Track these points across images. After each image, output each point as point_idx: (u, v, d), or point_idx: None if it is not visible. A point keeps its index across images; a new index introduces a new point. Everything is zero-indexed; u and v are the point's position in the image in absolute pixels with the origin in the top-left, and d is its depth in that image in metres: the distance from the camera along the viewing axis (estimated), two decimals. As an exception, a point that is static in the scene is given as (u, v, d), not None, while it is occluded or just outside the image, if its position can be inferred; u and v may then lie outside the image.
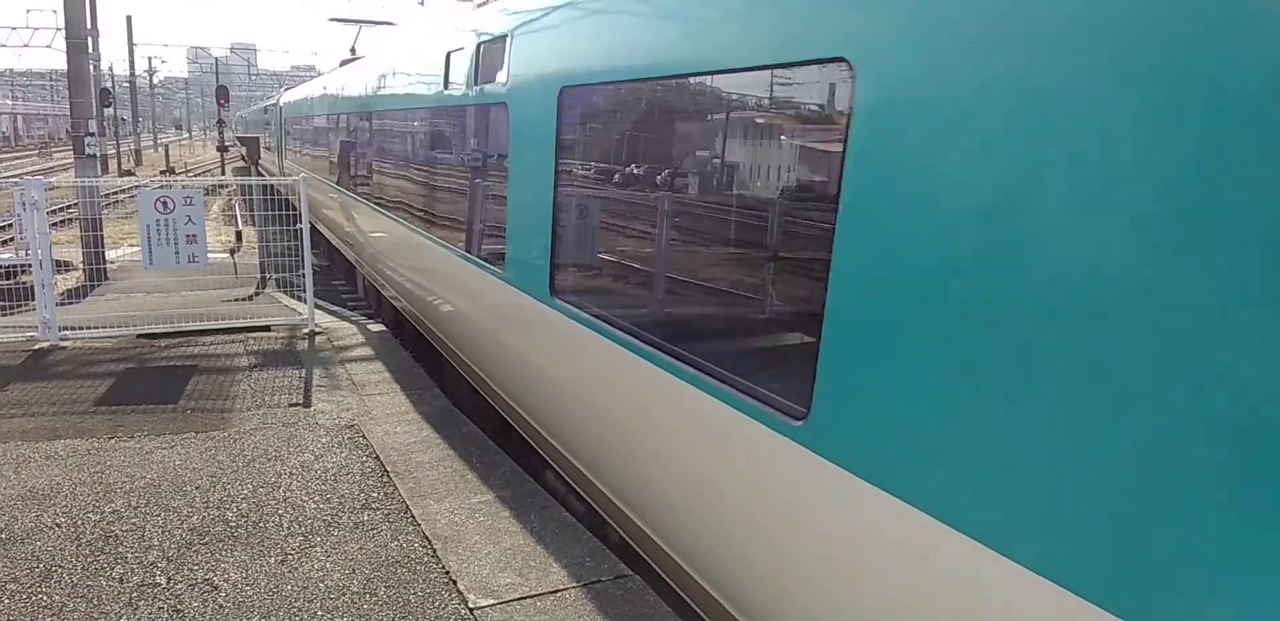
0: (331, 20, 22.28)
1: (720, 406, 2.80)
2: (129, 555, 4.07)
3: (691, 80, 3.21)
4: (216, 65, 47.99)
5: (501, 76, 5.06)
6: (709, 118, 3.31)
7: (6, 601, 3.66)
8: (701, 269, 3.40)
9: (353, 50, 20.06)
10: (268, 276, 11.66)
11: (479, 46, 5.53)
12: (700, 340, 3.23)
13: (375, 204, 9.47)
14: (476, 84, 5.56)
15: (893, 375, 2.16)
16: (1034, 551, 1.85)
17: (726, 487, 2.90)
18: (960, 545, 1.98)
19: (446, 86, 6.33)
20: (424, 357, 7.95)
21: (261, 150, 26.99)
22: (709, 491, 3.02)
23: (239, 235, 16.38)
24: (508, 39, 4.96)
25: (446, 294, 6.66)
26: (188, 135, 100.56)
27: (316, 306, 9.07)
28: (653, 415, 3.39)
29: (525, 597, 3.75)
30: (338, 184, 12.29)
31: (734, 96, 3.07)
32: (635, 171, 3.80)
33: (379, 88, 9.11)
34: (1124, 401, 1.70)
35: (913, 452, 2.11)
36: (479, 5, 6.61)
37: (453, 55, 6.14)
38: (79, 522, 4.40)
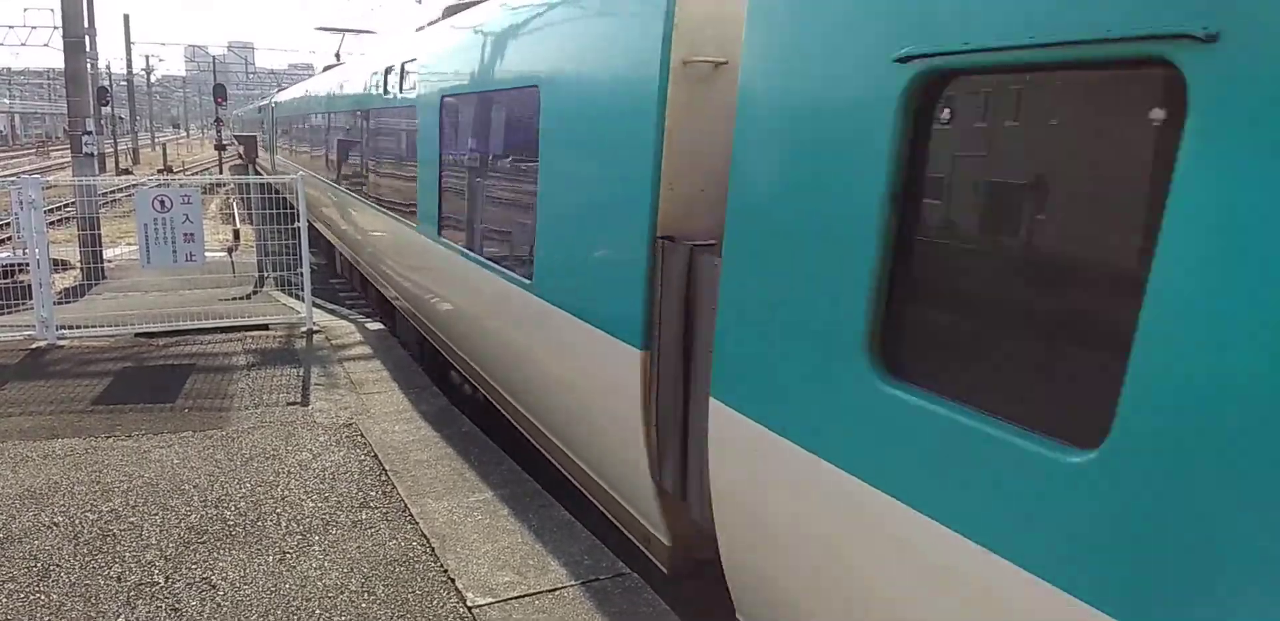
0: (318, 29, 22.87)
1: (501, 281, 5.00)
2: (127, 554, 4.07)
3: (488, 95, 5.47)
4: (214, 64, 47.89)
5: (413, 87, 7.17)
6: (497, 116, 5.51)
7: (5, 600, 3.66)
8: (499, 213, 5.53)
9: (337, 56, 20.44)
10: (265, 275, 11.65)
11: (403, 64, 7.68)
12: (496, 250, 5.43)
13: (342, 187, 11.34)
14: (401, 92, 7.70)
15: (549, 261, 4.35)
16: (591, 315, 3.87)
17: (500, 318, 5.28)
18: (576, 324, 4.00)
19: (385, 93, 8.42)
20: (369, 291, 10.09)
21: (259, 149, 27.01)
22: (492, 323, 5.47)
23: (237, 234, 16.32)
24: (417, 60, 7.16)
25: (388, 246, 8.73)
26: (185, 134, 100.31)
27: (314, 305, 9.07)
28: (475, 291, 5.67)
29: (523, 596, 3.75)
30: (315, 172, 14.01)
31: (507, 104, 5.23)
32: (472, 153, 6.01)
33: (344, 92, 11.31)
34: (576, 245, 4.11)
35: (556, 288, 4.28)
36: (418, 30, 8.60)
37: (389, 70, 8.27)
38: (77, 522, 4.40)
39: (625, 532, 4.03)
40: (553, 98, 4.22)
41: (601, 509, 4.25)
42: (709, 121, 3.15)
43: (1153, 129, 1.60)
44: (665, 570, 3.71)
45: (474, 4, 6.17)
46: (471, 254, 5.68)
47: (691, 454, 3.27)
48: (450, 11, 7.14)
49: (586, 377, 4.10)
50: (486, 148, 5.77)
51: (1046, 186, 1.95)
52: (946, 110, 2.05)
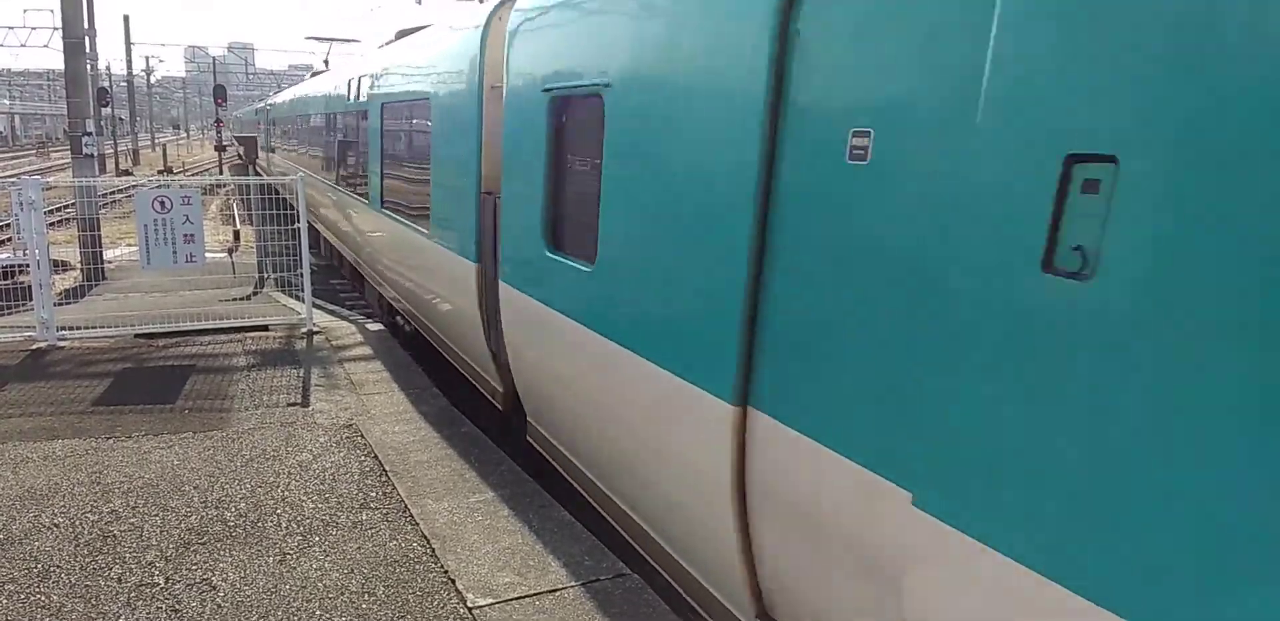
0: (308, 38, 23.76)
1: (413, 233, 7.10)
2: (127, 555, 4.07)
3: (407, 103, 7.48)
4: (214, 65, 47.83)
5: (366, 95, 9.35)
6: (413, 119, 7.43)
7: (5, 601, 3.65)
8: (414, 188, 7.25)
9: (326, 62, 20.93)
10: (266, 276, 11.65)
11: (360, 77, 9.93)
12: (411, 214, 7.33)
13: (322, 178, 13.31)
14: (359, 98, 9.79)
15: (434, 216, 6.54)
16: (452, 246, 6.13)
17: (412, 259, 7.48)
18: (445, 253, 6.21)
19: (348, 98, 10.64)
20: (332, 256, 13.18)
21: (259, 149, 27.07)
22: (406, 258, 7.81)
23: (237, 234, 16.33)
24: (367, 75, 9.46)
25: (353, 222, 10.87)
26: (185, 135, 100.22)
27: (315, 306, 9.07)
28: (397, 239, 7.94)
29: (524, 597, 3.75)
30: (303, 167, 15.28)
31: (416, 110, 7.18)
32: (400, 145, 8.01)
33: (322, 97, 13.74)
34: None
35: (436, 233, 6.47)
36: (380, 47, 10.94)
37: (350, 81, 10.58)
38: (77, 522, 4.39)
39: (481, 390, 6.10)
40: (434, 106, 6.39)
41: (471, 380, 6.34)
42: None
43: (601, 121, 3.53)
44: (501, 409, 5.69)
45: (421, 28, 8.46)
46: (398, 218, 7.79)
47: (500, 324, 5.15)
48: (401, 34, 9.77)
49: (450, 286, 6.15)
50: (408, 142, 7.80)
51: (581, 150, 4.00)
52: (564, 115, 4.15)
